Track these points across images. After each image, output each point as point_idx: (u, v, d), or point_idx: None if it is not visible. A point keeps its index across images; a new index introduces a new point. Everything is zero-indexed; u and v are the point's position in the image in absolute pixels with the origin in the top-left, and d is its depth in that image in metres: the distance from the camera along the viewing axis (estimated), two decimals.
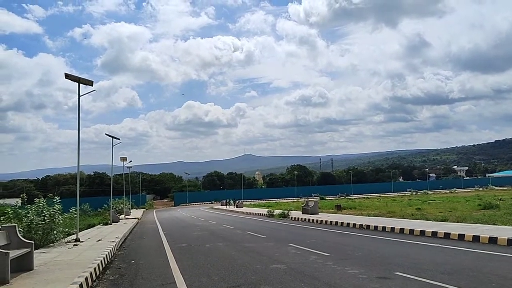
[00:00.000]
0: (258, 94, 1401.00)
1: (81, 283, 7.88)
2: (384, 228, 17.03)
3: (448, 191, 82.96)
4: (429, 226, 16.08)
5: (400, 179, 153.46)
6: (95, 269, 9.57)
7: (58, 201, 16.04)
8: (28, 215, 14.56)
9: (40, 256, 11.67)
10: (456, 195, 58.89)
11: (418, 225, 16.69)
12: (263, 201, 76.72)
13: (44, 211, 14.78)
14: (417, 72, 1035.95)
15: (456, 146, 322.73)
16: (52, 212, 14.88)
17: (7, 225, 10.85)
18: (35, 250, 10.40)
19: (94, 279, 9.06)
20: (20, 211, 15.18)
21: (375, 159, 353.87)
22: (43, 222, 14.57)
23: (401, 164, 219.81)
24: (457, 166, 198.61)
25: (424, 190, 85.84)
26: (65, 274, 8.83)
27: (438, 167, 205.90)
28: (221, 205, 66.62)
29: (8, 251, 8.34)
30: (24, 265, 9.53)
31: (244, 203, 59.12)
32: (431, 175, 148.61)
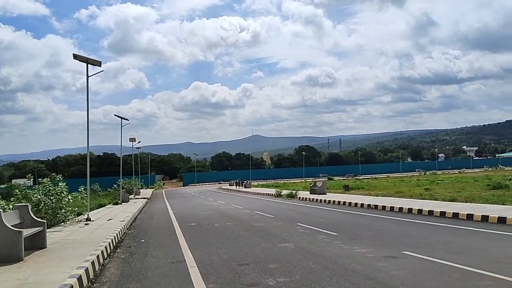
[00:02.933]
0: (265, 74, 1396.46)
1: (93, 260, 8.02)
2: (392, 208, 17.04)
3: (457, 172, 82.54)
4: (437, 206, 16.05)
5: (409, 160, 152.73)
6: (106, 247, 9.73)
7: (61, 180, 16.06)
8: (35, 195, 14.64)
9: (52, 235, 11.87)
10: (465, 175, 58.57)
11: (426, 205, 16.66)
12: (271, 182, 77.02)
13: (51, 191, 14.91)
14: (425, 51, 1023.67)
15: (466, 126, 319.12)
16: (59, 192, 15.00)
17: (20, 204, 11.02)
18: (47, 229, 10.58)
19: (105, 257, 9.22)
20: (29, 191, 15.28)
21: (383, 139, 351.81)
22: (51, 202, 14.73)
23: (410, 145, 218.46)
24: (467, 147, 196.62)
25: (433, 171, 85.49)
26: (77, 252, 8.99)
27: (447, 147, 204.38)
28: (230, 186, 67.00)
29: (22, 230, 8.49)
30: (37, 243, 9.71)
31: (252, 183, 59.39)
32: (440, 155, 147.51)
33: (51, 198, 14.75)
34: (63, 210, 15.21)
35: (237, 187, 53.60)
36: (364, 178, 68.38)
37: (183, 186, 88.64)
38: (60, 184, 15.44)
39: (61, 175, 16.97)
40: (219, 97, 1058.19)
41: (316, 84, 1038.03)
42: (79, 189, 17.87)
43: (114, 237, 11.45)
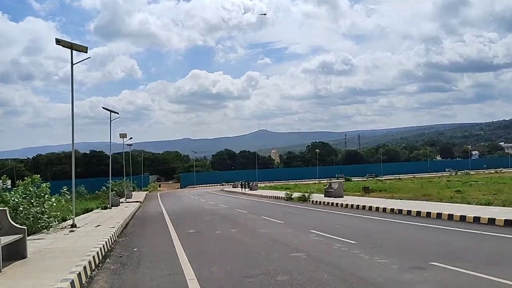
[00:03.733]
0: (273, 61, 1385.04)
1: (79, 272, 8.08)
2: (418, 213, 16.99)
3: (493, 171, 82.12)
4: (470, 210, 15.97)
5: (438, 158, 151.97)
6: (94, 257, 9.80)
7: (42, 181, 16.02)
8: (13, 198, 14.54)
9: (33, 243, 11.97)
10: (503, 175, 58.24)
11: (458, 209, 16.59)
12: (280, 183, 77.07)
13: (31, 193, 14.87)
14: (455, 34, 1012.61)
15: (503, 120, 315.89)
16: (41, 194, 14.99)
17: None
18: (27, 237, 10.66)
19: (93, 268, 9.29)
20: (5, 193, 15.22)
21: (408, 134, 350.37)
22: (31, 206, 14.72)
23: (439, 141, 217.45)
24: (504, 143, 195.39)
25: (465, 170, 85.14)
26: (62, 263, 9.06)
27: (481, 143, 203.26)
28: (233, 187, 67.17)
29: None
30: (16, 252, 9.78)
31: (258, 185, 59.50)
32: (473, 152, 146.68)
33: (32, 201, 14.78)
34: (46, 215, 15.27)
35: (242, 189, 53.71)
36: (386, 179, 68.20)
37: (181, 188, 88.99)
38: (43, 185, 15.49)
39: (41, 176, 16.78)
40: (220, 87, 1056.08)
41: (331, 72, 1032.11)
42: (62, 190, 17.84)
43: (103, 246, 11.53)
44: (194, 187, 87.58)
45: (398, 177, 72.41)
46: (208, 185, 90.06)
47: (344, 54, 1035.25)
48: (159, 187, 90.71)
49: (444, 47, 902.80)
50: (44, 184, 15.44)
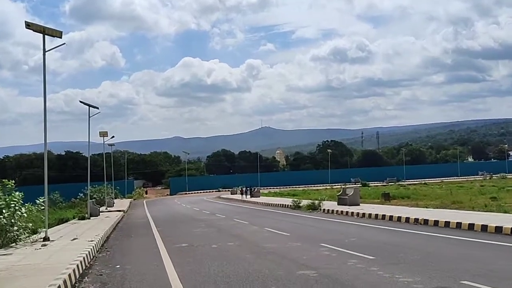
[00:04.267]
0: (277, 47, 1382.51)
1: None
2: (447, 223, 16.98)
3: None
4: (508, 220, 15.95)
5: (469, 159, 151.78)
6: (69, 275, 9.81)
7: (14, 187, 15.94)
8: None
9: (0, 260, 11.98)
10: None
11: (493, 219, 16.57)
12: (286, 189, 76.98)
13: (1, 202, 14.83)
14: (489, 15, 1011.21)
15: None
16: (11, 203, 14.96)
17: None
18: None
19: None
20: None
21: (435, 132, 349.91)
22: (0, 216, 14.70)
23: (471, 139, 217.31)
24: None
25: (502, 174, 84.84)
26: (32, 282, 9.07)
27: None
28: (232, 194, 67.13)
29: None
30: None
31: (261, 191, 59.49)
32: (510, 153, 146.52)
33: (4, 211, 14.74)
34: (15, 227, 15.26)
35: (243, 196, 53.71)
36: (410, 184, 68.07)
37: (170, 194, 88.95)
38: (16, 193, 15.43)
39: (12, 181, 16.51)
40: (216, 78, 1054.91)
41: (345, 60, 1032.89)
42: (38, 201, 17.67)
43: (81, 262, 11.54)
44: (186, 193, 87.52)
45: (423, 182, 72.24)
46: (202, 191, 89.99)
47: (359, 39, 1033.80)
48: (146, 194, 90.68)
49: (476, 31, 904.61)
50: (17, 193, 15.37)
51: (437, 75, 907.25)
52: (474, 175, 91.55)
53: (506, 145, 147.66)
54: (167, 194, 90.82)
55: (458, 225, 16.40)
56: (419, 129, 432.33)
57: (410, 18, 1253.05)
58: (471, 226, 15.81)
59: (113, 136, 51.93)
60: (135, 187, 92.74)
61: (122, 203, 53.37)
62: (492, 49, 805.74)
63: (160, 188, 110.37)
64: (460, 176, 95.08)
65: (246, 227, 21.18)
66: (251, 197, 52.15)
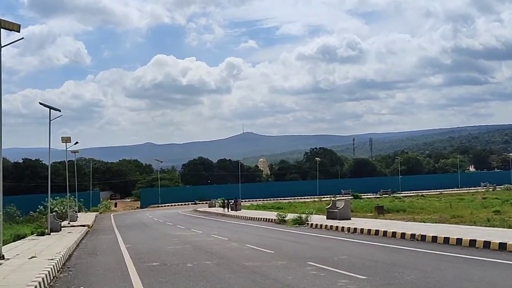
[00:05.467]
0: (260, 44, 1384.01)
1: None
2: (446, 239, 17.10)
3: None
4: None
5: (471, 169, 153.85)
6: None
7: None
8: None
9: None
10: None
11: (496, 235, 16.74)
12: (270, 201, 77.08)
13: None
14: (491, 12, 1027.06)
15: None
16: None
17: None
18: None
19: None
20: None
21: (433, 139, 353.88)
22: None
23: (472, 147, 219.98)
24: None
25: (506, 185, 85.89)
26: None
27: None
28: (210, 207, 67.07)
29: None
30: None
31: (242, 203, 59.45)
32: None
33: None
34: None
35: (225, 209, 53.62)
36: (405, 196, 68.64)
37: (141, 207, 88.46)
38: None
39: None
40: (193, 78, 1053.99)
41: (334, 59, 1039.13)
42: None
43: (39, 283, 11.40)
44: (158, 206, 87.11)
45: (420, 194, 72.82)
46: (177, 204, 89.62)
47: (350, 36, 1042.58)
48: (115, 206, 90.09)
49: (477, 28, 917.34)
50: None
51: (435, 77, 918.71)
52: (475, 187, 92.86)
53: (511, 154, 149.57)
54: (137, 207, 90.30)
55: (459, 241, 16.53)
56: (416, 135, 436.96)
57: (406, 14, 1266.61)
58: (472, 243, 15.95)
59: (76, 142, 51.54)
60: (101, 199, 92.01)
61: (86, 217, 52.92)
62: (495, 48, 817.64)
63: (129, 200, 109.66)
64: (461, 188, 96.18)
65: (225, 243, 21.12)
66: (231, 210, 52.09)
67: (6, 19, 16.59)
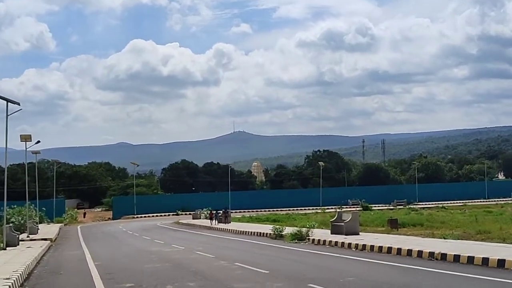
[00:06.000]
0: (254, 29, 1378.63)
1: None
2: (470, 259, 17.11)
3: None
4: None
5: (500, 176, 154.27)
6: None
7: None
8: None
9: None
10: None
11: None
12: (265, 212, 77.05)
13: None
14: None
15: None
16: None
17: None
18: None
19: None
20: None
21: (456, 141, 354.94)
22: None
23: (502, 151, 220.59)
24: None
25: None
26: None
27: None
28: (194, 219, 67.02)
29: None
30: None
31: (233, 215, 59.44)
32: None
33: None
34: None
35: (212, 222, 53.52)
36: (423, 207, 68.75)
37: (113, 219, 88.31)
38: None
39: None
40: (175, 67, 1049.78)
41: (341, 47, 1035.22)
42: None
43: None
44: (134, 217, 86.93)
45: (441, 205, 72.94)
46: (155, 215, 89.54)
47: (360, 20, 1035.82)
48: (83, 217, 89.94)
49: (507, 13, 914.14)
50: None
51: (459, 68, 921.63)
52: (505, 197, 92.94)
53: None
54: (109, 218, 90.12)
55: (485, 261, 16.55)
56: (436, 137, 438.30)
57: None
58: (500, 263, 15.96)
59: (38, 141, 51.46)
60: (67, 209, 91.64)
61: (49, 229, 52.76)
62: None
63: (99, 210, 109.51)
64: (488, 199, 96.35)
65: (211, 261, 21.09)
66: (219, 223, 52.02)
67: None
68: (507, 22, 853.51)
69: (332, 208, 73.42)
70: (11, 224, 37.58)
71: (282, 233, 31.66)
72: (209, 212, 60.05)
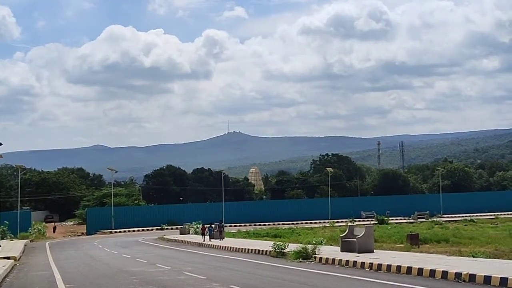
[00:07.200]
0: (250, 13, 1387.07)
1: None
2: (504, 281, 17.11)
3: None
4: None
5: None
6: None
7: None
8: None
9: None
10: None
11: None
12: (264, 226, 77.11)
13: None
14: None
15: None
16: None
17: None
18: None
19: None
20: None
21: (487, 144, 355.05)
22: None
23: None
24: None
25: None
26: None
27: None
28: (182, 234, 67.06)
29: None
30: None
31: (227, 229, 59.50)
32: None
33: None
34: None
35: (204, 238, 53.50)
36: (449, 220, 68.84)
37: (88, 234, 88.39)
38: None
39: None
40: (159, 58, 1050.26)
41: (352, 34, 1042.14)
42: None
43: None
44: (112, 232, 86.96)
45: (469, 218, 73.08)
46: (136, 229, 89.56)
47: (373, 3, 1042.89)
48: (53, 231, 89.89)
49: None
50: None
51: (488, 59, 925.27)
52: None
53: None
54: (83, 233, 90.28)
55: None
56: (463, 138, 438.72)
57: None
58: None
59: (0, 144, 51.42)
60: (33, 222, 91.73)
61: (13, 246, 52.75)
62: None
63: (71, 223, 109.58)
64: None
65: (202, 284, 21.10)
66: (211, 239, 52.04)
67: None
68: None
69: (342, 222, 73.49)
70: None
71: (285, 251, 31.69)
72: (200, 226, 60.01)
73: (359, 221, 76.67)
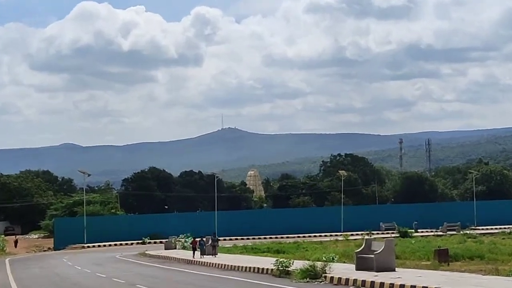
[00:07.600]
0: None
1: None
2: None
3: None
4: None
5: None
6: None
7: None
8: None
9: None
10: None
11: None
12: (265, 240, 77.22)
13: None
14: None
15: None
16: None
17: None
18: None
19: None
20: None
21: None
22: None
23: None
24: None
25: None
26: None
27: None
28: (166, 249, 67.13)
29: None
30: None
31: (221, 243, 59.57)
32: None
33: None
34: None
35: (194, 253, 53.56)
36: (484, 233, 68.86)
37: (55, 249, 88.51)
38: None
39: None
40: (140, 39, 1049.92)
41: (368, 12, 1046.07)
42: None
43: None
44: (84, 247, 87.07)
45: (508, 230, 73.17)
46: (113, 243, 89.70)
47: None
48: (15, 246, 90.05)
49: None
50: None
51: None
52: None
53: None
54: (49, 248, 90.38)
55: None
56: (501, 136, 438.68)
57: None
58: None
59: None
60: None
61: None
62: None
63: (36, 236, 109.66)
64: None
65: None
66: (202, 255, 52.11)
67: None
68: None
69: (357, 235, 73.60)
70: None
71: (289, 269, 31.70)
72: (190, 240, 59.95)
73: (378, 233, 76.74)
